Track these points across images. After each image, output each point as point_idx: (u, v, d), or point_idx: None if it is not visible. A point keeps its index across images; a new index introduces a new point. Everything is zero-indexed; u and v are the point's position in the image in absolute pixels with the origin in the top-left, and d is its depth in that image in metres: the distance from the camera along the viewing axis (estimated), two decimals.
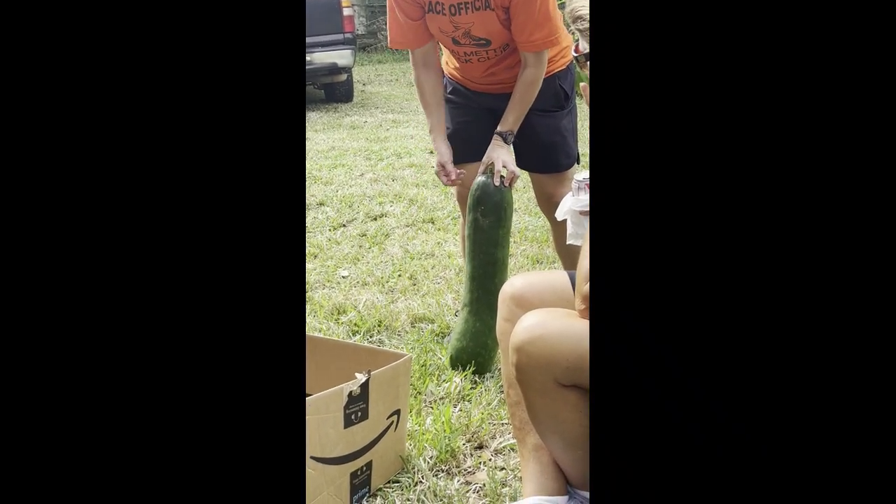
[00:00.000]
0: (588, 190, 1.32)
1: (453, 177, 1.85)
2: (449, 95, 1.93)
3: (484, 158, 1.78)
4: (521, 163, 1.97)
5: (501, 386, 1.69)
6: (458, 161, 1.88)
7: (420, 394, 1.69)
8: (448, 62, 1.93)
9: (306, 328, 2.08)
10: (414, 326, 2.09)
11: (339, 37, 6.47)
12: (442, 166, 1.84)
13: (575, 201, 1.32)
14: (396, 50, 10.97)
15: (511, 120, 1.78)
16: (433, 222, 3.08)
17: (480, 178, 1.77)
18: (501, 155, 1.76)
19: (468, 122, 1.89)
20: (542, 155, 1.90)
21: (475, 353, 1.78)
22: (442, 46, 1.90)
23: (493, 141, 1.78)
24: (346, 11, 6.58)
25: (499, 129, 1.78)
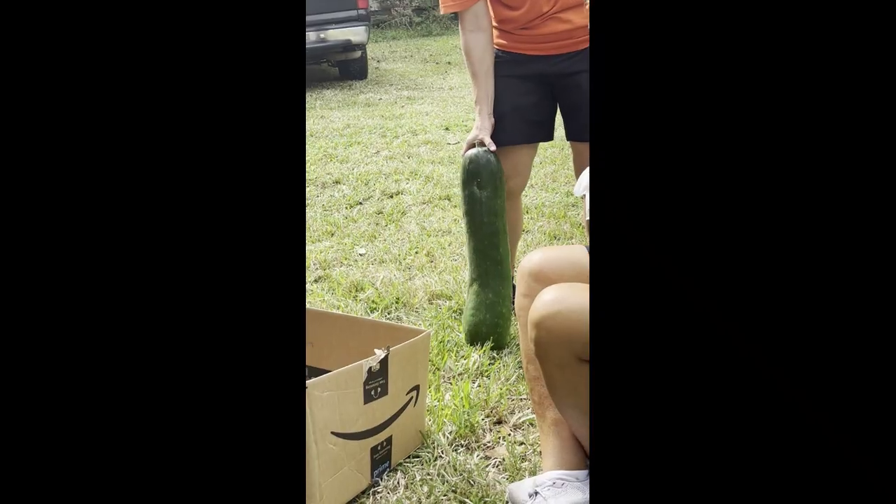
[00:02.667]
0: None
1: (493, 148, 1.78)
2: (503, 72, 1.82)
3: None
4: (570, 133, 1.86)
5: (519, 361, 1.69)
6: (512, 142, 1.81)
7: (439, 370, 1.70)
8: (500, 29, 1.82)
9: (325, 306, 2.09)
10: (431, 303, 2.10)
11: (353, 13, 6.43)
12: (481, 142, 1.78)
13: None
14: (410, 26, 10.91)
15: None
16: (449, 199, 3.08)
17: (472, 152, 1.76)
18: None
19: (522, 102, 1.80)
20: (587, 121, 1.78)
21: (493, 324, 1.79)
22: (493, 15, 1.80)
23: None
24: None
25: None
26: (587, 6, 1.72)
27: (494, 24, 1.84)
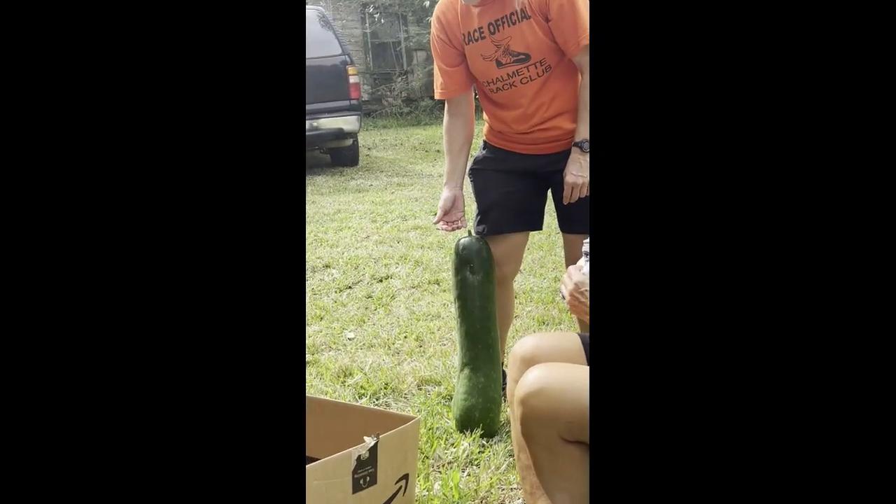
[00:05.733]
0: None
1: (460, 224, 1.92)
2: (494, 166, 1.93)
3: (564, 173, 1.79)
4: (562, 224, 1.94)
5: (510, 450, 1.66)
6: (505, 230, 1.90)
7: (427, 458, 1.67)
8: (491, 126, 1.93)
9: (313, 391, 2.07)
10: (420, 389, 2.08)
11: (346, 103, 6.61)
12: (444, 211, 1.91)
13: None
14: (400, 115, 11.20)
15: (583, 129, 1.78)
16: (438, 283, 3.09)
17: (465, 239, 1.84)
18: (572, 169, 1.77)
19: (514, 192, 1.90)
20: (579, 215, 1.82)
21: (485, 409, 1.77)
22: (486, 116, 1.93)
23: (571, 153, 1.79)
24: (353, 79, 6.74)
25: (575, 140, 1.78)
26: (576, 112, 1.82)
27: (486, 119, 1.95)
